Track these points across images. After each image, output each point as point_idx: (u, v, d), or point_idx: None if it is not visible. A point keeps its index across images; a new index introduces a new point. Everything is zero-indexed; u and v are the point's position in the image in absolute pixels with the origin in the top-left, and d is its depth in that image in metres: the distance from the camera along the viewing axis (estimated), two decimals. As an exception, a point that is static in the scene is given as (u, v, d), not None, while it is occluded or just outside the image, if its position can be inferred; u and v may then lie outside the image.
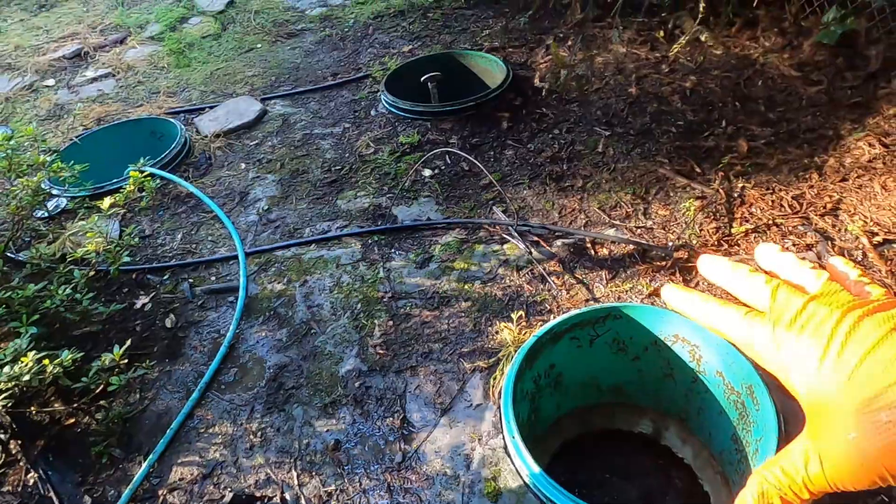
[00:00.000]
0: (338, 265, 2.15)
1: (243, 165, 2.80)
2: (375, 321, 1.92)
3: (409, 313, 1.93)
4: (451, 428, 1.59)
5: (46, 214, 2.61)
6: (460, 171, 2.49)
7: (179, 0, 4.72)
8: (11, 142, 2.06)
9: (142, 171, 2.11)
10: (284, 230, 2.37)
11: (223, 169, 2.80)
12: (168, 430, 1.69)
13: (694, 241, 1.99)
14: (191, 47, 4.02)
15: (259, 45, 3.93)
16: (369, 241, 2.23)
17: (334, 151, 2.78)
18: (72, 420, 1.78)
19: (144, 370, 1.76)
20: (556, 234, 2.10)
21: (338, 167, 2.67)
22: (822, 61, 2.67)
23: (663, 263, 1.93)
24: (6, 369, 1.48)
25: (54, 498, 1.59)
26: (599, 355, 1.55)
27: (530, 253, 2.03)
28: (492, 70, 3.08)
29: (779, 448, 1.26)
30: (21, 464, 1.68)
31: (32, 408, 1.73)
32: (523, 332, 1.74)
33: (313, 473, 1.55)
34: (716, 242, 1.97)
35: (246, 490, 1.55)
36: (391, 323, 1.90)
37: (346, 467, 1.55)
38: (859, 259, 1.85)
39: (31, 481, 1.63)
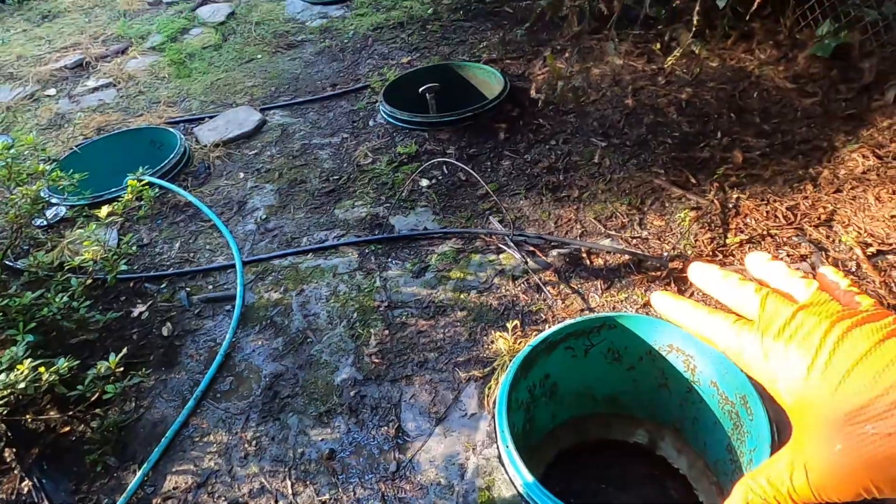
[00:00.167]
0: (335, 274, 2.16)
1: (242, 175, 2.82)
2: (371, 330, 1.92)
3: (405, 322, 1.93)
4: (445, 437, 1.59)
5: (45, 223, 2.62)
6: (457, 182, 2.51)
7: (181, 11, 4.76)
8: (11, 151, 2.07)
9: (140, 180, 2.12)
10: (282, 239, 2.38)
11: (222, 178, 2.82)
12: (163, 439, 1.68)
13: (689, 252, 2.00)
14: (191, 58, 4.05)
15: (259, 56, 3.96)
16: (366, 251, 2.24)
17: (332, 161, 2.79)
18: (67, 428, 1.78)
19: (140, 378, 1.76)
20: (552, 244, 2.11)
21: (336, 177, 2.68)
22: (816, 74, 2.70)
23: (658, 274, 1.94)
24: (2, 377, 1.49)
25: (48, 506, 1.58)
26: (594, 365, 1.55)
27: (526, 263, 2.04)
28: (489, 81, 3.11)
29: (773, 455, 1.26)
30: (15, 472, 1.67)
31: (28, 416, 1.73)
32: (518, 341, 1.75)
33: (308, 482, 1.55)
34: (710, 253, 1.98)
35: (240, 499, 1.55)
36: (387, 332, 1.91)
37: (340, 476, 1.55)
38: (853, 270, 1.86)
39: (26, 489, 1.63)
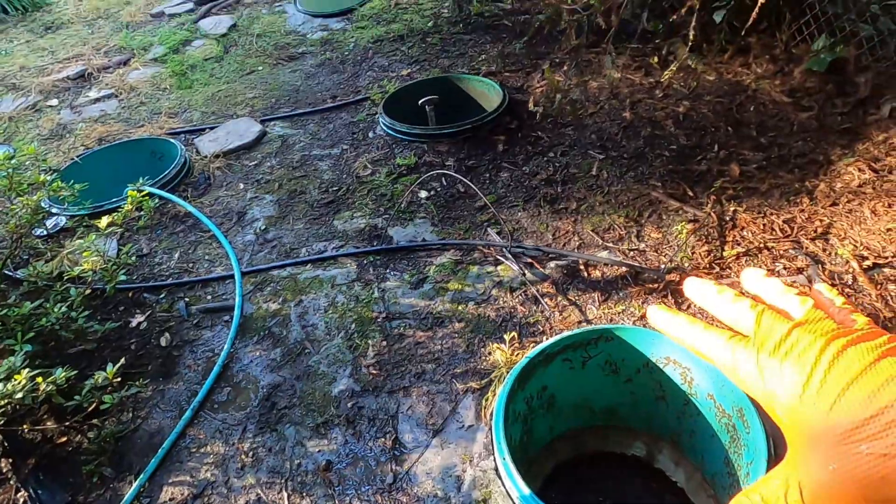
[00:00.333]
0: (333, 285, 2.17)
1: (242, 185, 2.83)
2: (369, 341, 1.92)
3: (402, 333, 1.93)
4: (442, 449, 1.59)
5: (45, 233, 2.63)
6: (456, 193, 2.52)
7: (183, 23, 4.80)
8: (13, 161, 2.08)
9: (140, 191, 2.13)
10: (281, 250, 2.38)
11: (222, 189, 2.83)
12: (160, 450, 1.68)
13: (686, 264, 2.01)
14: (193, 69, 4.08)
15: (260, 68, 3.99)
16: (365, 262, 2.25)
17: (332, 172, 2.81)
18: (64, 438, 1.77)
19: (138, 389, 1.76)
20: (550, 255, 2.12)
21: (335, 188, 2.70)
22: (812, 88, 2.72)
23: (655, 286, 1.95)
24: (-1, 387, 1.49)
25: (43, 518, 1.58)
26: (592, 377, 1.55)
27: (524, 274, 2.05)
28: (488, 94, 3.13)
29: (769, 472, 1.26)
30: (11, 482, 1.67)
31: (25, 426, 1.73)
32: (516, 353, 1.75)
33: (304, 494, 1.55)
34: (707, 265, 1.99)
35: (236, 511, 1.54)
36: (385, 343, 1.91)
37: (336, 488, 1.55)
38: (849, 283, 1.86)
39: (21, 500, 1.62)
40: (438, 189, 2.57)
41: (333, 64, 3.88)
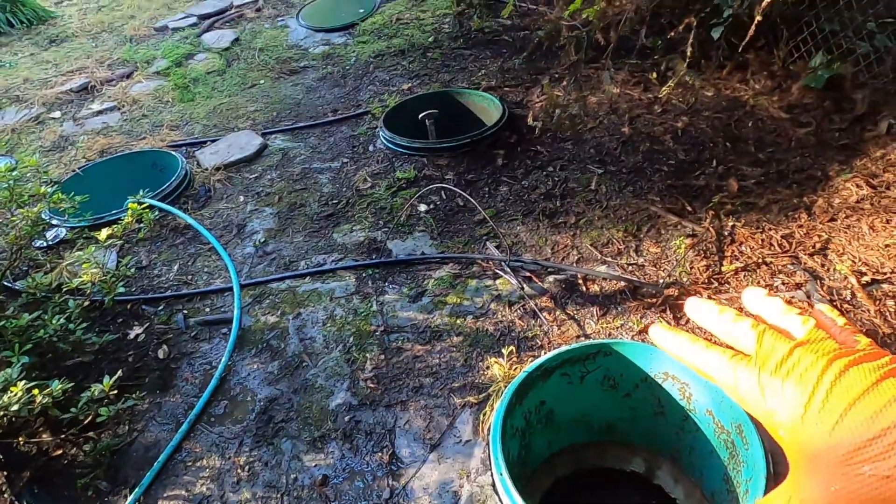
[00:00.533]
0: (331, 298, 2.17)
1: (242, 198, 2.84)
2: (367, 355, 1.92)
3: (400, 347, 1.93)
4: (439, 464, 1.58)
5: (45, 244, 2.64)
6: (455, 207, 2.53)
7: (187, 37, 4.85)
8: (14, 172, 2.09)
9: (141, 203, 2.14)
10: (280, 262, 2.39)
11: (222, 201, 2.84)
12: (155, 463, 1.67)
13: (684, 279, 2.01)
14: (195, 82, 4.11)
15: (262, 81, 4.02)
16: (364, 275, 2.25)
17: (332, 185, 2.82)
18: (59, 451, 1.76)
19: (134, 401, 1.76)
20: (549, 269, 2.12)
21: (335, 201, 2.71)
22: (810, 104, 2.74)
23: (654, 300, 1.95)
24: (-5, 399, 1.48)
25: (37, 532, 1.56)
26: (590, 392, 1.55)
27: (522, 288, 2.05)
28: (488, 108, 3.15)
29: (768, 489, 1.25)
30: (6, 496, 1.65)
31: (20, 438, 1.72)
32: (514, 367, 1.74)
33: (300, 509, 1.54)
34: (706, 280, 1.99)
35: (231, 526, 1.53)
36: (383, 357, 1.90)
37: (333, 503, 1.54)
38: (848, 298, 1.86)
39: (15, 514, 1.61)
40: (438, 203, 2.57)
41: (335, 78, 3.90)
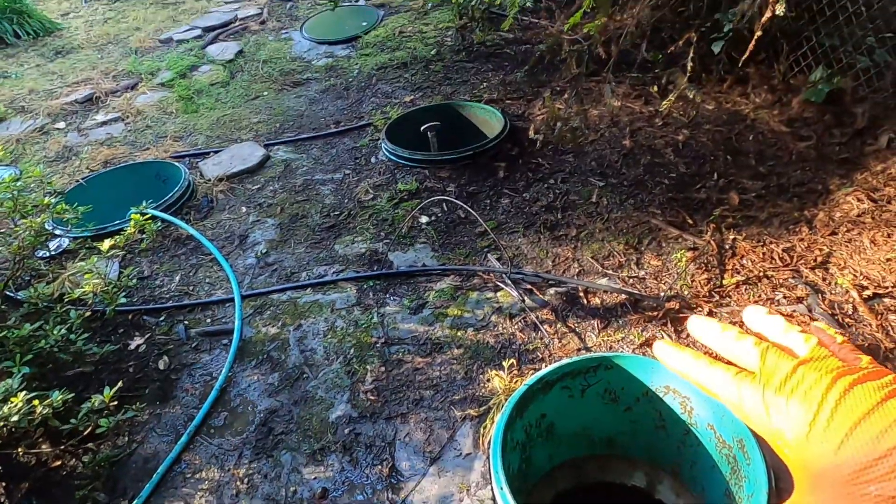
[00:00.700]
0: (332, 310, 2.17)
1: (244, 209, 2.85)
2: (368, 367, 1.92)
3: (401, 359, 1.93)
4: (439, 477, 1.57)
5: (48, 254, 2.65)
6: (456, 219, 2.54)
7: (191, 49, 4.89)
8: (18, 183, 2.11)
9: (143, 214, 2.15)
10: (282, 274, 2.39)
11: (224, 212, 2.85)
12: (154, 475, 1.66)
13: (685, 292, 2.01)
14: (199, 94, 4.14)
15: (265, 93, 4.05)
16: (365, 287, 2.25)
17: (334, 197, 2.83)
18: (58, 462, 1.76)
19: (134, 412, 1.75)
20: (550, 282, 2.12)
21: (336, 212, 2.71)
22: (810, 118, 2.75)
23: (655, 314, 1.94)
24: (-5, 409, 1.48)
25: (34, 544, 1.55)
26: (591, 405, 1.54)
27: (523, 301, 2.05)
28: (490, 121, 3.17)
29: (769, 505, 1.24)
30: (3, 507, 1.65)
31: (19, 449, 1.71)
32: (515, 380, 1.74)
33: (299, 523, 1.53)
34: (707, 294, 1.99)
35: (230, 539, 1.52)
36: (383, 369, 1.90)
37: (332, 517, 1.53)
38: (849, 313, 1.86)
39: (13, 526, 1.60)
40: (439, 214, 2.58)
41: (338, 90, 3.93)
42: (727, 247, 2.17)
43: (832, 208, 2.27)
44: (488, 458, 1.57)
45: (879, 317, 1.83)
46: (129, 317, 2.27)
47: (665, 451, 1.55)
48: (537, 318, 1.99)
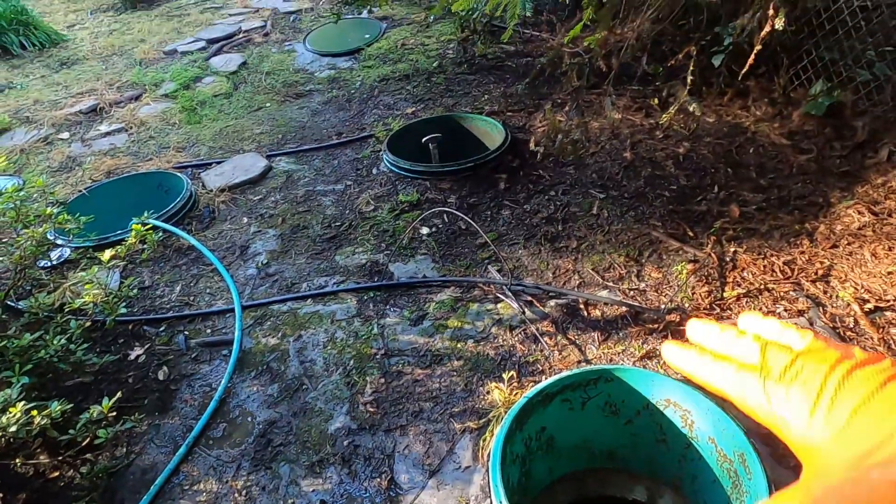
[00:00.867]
0: (333, 321, 2.16)
1: (245, 220, 2.86)
2: (367, 378, 1.91)
3: (401, 371, 1.92)
4: (438, 490, 1.56)
5: (50, 264, 2.65)
6: (457, 230, 2.54)
7: (195, 60, 4.93)
8: (21, 192, 2.12)
9: (145, 224, 2.16)
10: (282, 284, 2.39)
11: (226, 223, 2.86)
12: (152, 487, 1.66)
13: (686, 305, 2.00)
14: (202, 105, 4.17)
15: (268, 105, 4.07)
16: (365, 298, 2.25)
17: (335, 208, 2.84)
18: (56, 473, 1.75)
19: (133, 423, 1.75)
20: (550, 294, 2.11)
21: (338, 223, 2.72)
22: (811, 131, 2.76)
23: (655, 326, 1.94)
24: (-6, 420, 1.47)
25: (30, 556, 1.54)
26: (592, 418, 1.53)
27: (524, 313, 2.04)
28: (491, 133, 3.18)
29: (782, 492, 1.23)
30: (0, 518, 1.64)
31: (17, 459, 1.71)
32: (515, 392, 1.73)
33: (297, 536, 1.52)
34: (708, 306, 1.98)
35: (227, 552, 1.51)
36: (383, 380, 1.90)
37: (330, 530, 1.52)
38: (851, 326, 1.85)
39: (9, 537, 1.59)
40: (440, 226, 2.58)
41: (340, 102, 3.96)
42: (728, 259, 2.17)
43: (833, 221, 2.27)
44: (488, 471, 1.56)
45: (881, 330, 1.82)
46: (130, 327, 2.27)
47: (666, 464, 1.54)
48: (537, 329, 1.98)
